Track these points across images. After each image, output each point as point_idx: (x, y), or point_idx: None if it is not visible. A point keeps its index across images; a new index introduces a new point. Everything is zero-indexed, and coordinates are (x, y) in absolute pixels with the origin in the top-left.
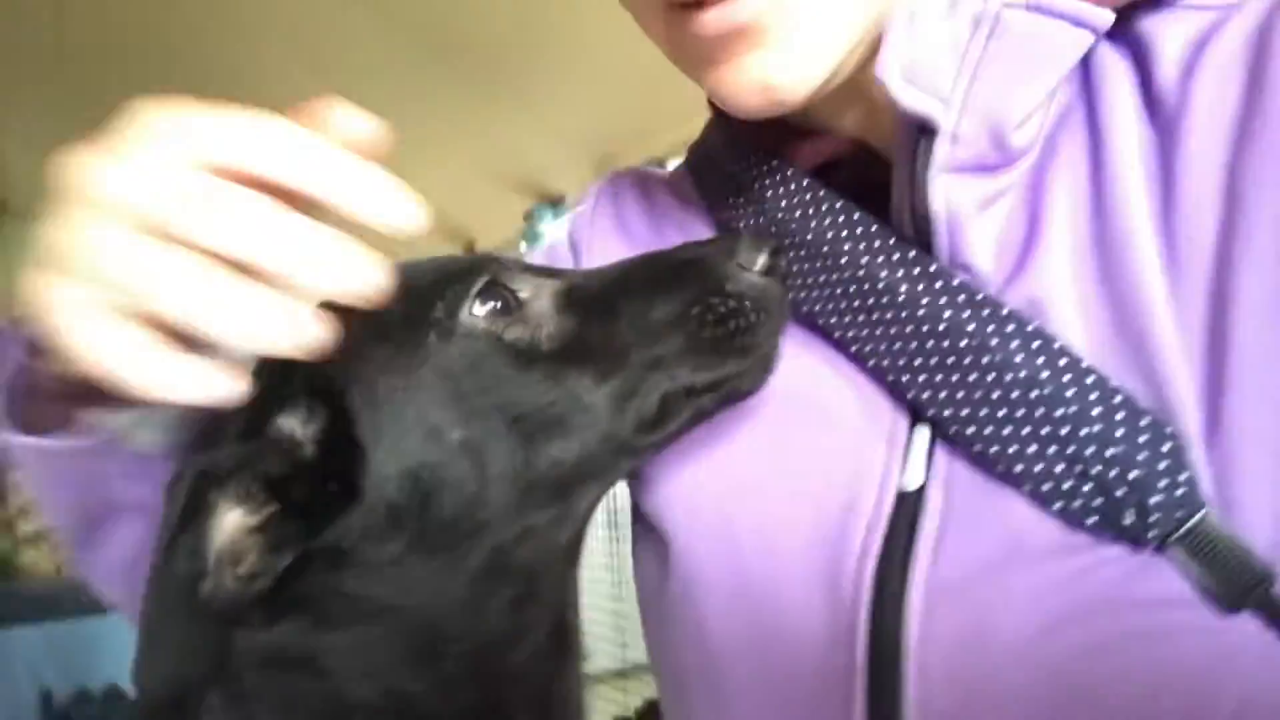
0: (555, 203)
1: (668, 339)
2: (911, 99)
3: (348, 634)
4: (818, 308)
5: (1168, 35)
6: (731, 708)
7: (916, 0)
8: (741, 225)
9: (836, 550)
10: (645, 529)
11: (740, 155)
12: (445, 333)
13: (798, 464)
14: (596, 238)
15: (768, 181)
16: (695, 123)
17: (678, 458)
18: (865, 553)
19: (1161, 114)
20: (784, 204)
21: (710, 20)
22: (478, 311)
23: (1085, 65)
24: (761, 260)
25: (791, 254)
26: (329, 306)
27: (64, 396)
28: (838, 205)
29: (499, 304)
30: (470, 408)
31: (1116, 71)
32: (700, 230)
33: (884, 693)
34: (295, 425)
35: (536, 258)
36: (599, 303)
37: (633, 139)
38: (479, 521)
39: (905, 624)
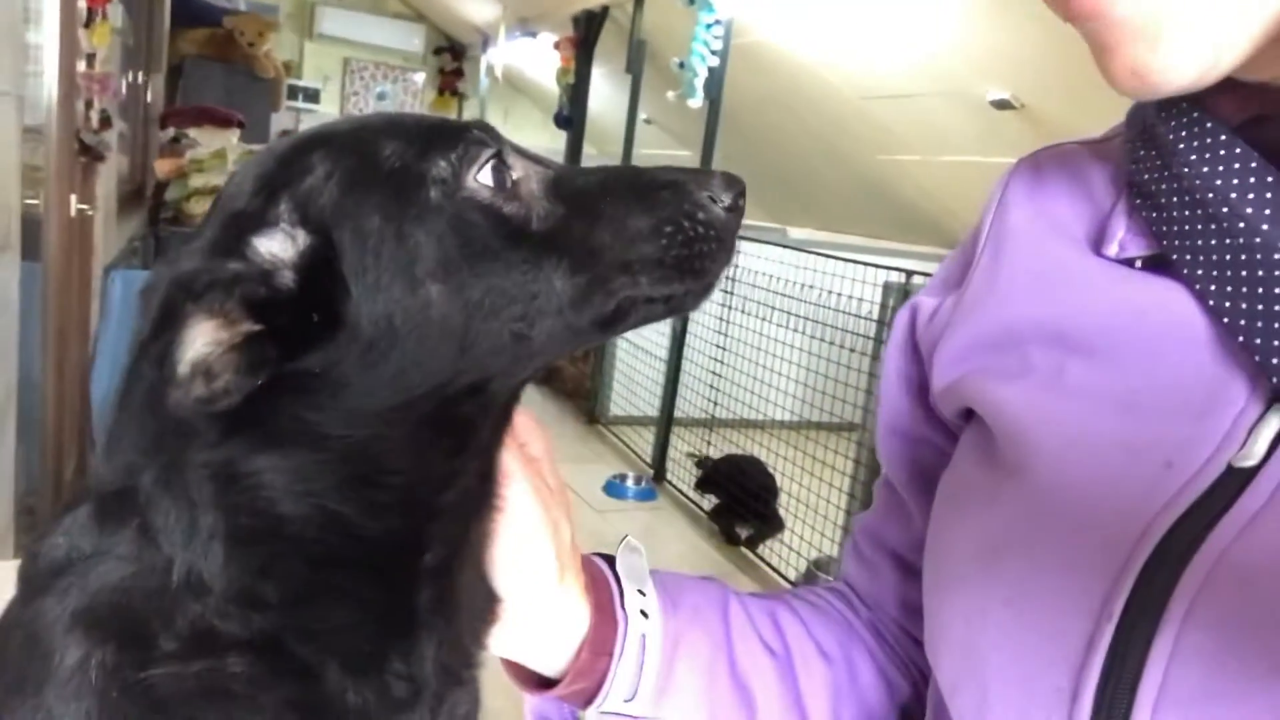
0: None
1: (640, 248)
2: None
3: (292, 456)
4: (1191, 263)
5: None
6: (1002, 583)
7: None
8: (1145, 178)
9: (1137, 498)
10: (975, 426)
11: (1161, 105)
12: (448, 193)
13: (1133, 411)
14: (1005, 228)
15: (1183, 134)
16: None
17: (1026, 383)
18: (1168, 507)
19: None
20: (1193, 157)
21: (1087, 4)
22: (483, 179)
23: None
24: (729, 198)
25: (1185, 212)
26: (318, 140)
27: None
28: (1251, 165)
29: (500, 178)
30: (454, 269)
31: None
32: (1102, 192)
33: (1131, 643)
34: (274, 249)
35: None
36: (583, 199)
37: None
38: (436, 373)
39: (1178, 585)
